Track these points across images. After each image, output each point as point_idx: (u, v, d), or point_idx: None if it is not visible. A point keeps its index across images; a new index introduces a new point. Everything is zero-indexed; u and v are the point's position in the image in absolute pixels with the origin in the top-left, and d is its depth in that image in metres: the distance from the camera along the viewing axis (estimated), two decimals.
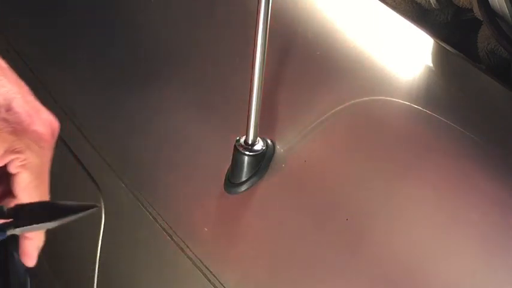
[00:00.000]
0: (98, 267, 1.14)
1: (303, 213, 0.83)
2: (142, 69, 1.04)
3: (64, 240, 1.31)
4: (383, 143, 0.80)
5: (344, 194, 0.80)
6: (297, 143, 0.85)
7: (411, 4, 0.97)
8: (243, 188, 0.87)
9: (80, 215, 0.77)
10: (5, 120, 0.75)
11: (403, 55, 0.86)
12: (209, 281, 0.88)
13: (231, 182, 0.88)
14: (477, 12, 0.86)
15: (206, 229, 0.90)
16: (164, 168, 1.01)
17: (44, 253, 1.42)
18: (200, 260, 0.91)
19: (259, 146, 0.86)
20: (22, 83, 0.78)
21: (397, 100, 0.81)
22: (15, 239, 0.78)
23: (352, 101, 0.83)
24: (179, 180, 0.98)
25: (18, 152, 0.74)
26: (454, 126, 0.76)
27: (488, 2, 0.82)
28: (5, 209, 0.75)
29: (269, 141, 0.87)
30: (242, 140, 0.86)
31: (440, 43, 0.85)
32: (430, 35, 0.86)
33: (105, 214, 1.11)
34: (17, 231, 0.76)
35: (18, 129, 0.75)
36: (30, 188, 0.77)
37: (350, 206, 0.79)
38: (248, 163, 0.86)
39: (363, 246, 0.77)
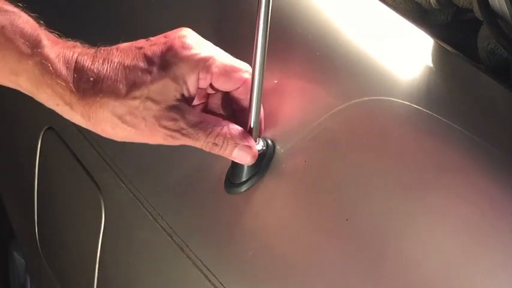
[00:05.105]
0: (98, 267, 1.14)
1: (303, 213, 0.83)
2: None
3: (64, 240, 1.31)
4: (383, 143, 0.80)
5: (344, 194, 0.80)
6: (297, 143, 0.85)
7: (411, 4, 0.97)
8: (243, 188, 0.87)
9: None
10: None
11: (403, 55, 0.86)
12: (209, 281, 0.88)
13: (231, 182, 0.88)
14: (477, 12, 0.86)
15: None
16: (164, 168, 1.01)
17: (44, 253, 1.43)
18: (200, 260, 0.90)
19: (259, 146, 0.86)
20: None
21: (397, 100, 0.81)
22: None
23: (352, 101, 0.83)
24: (179, 180, 0.98)
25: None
26: (454, 126, 0.76)
27: (488, 2, 0.82)
28: None
29: (269, 141, 0.87)
30: None
31: (440, 43, 0.85)
32: (430, 35, 0.86)
33: (105, 214, 1.11)
34: None
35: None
36: None
37: (350, 206, 0.79)
38: None
39: (363, 246, 0.77)
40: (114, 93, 0.81)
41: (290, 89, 0.89)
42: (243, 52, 0.86)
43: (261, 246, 0.85)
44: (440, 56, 0.85)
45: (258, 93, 0.82)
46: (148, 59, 0.82)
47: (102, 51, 0.83)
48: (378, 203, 0.77)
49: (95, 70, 0.82)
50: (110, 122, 0.82)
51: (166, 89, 0.81)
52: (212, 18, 1.01)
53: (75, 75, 0.81)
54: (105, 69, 0.82)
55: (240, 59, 0.86)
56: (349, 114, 0.83)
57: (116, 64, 0.82)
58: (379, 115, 0.81)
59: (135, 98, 0.81)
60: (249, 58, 0.83)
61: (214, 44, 0.86)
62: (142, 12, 1.12)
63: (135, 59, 0.82)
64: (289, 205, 0.84)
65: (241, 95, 0.85)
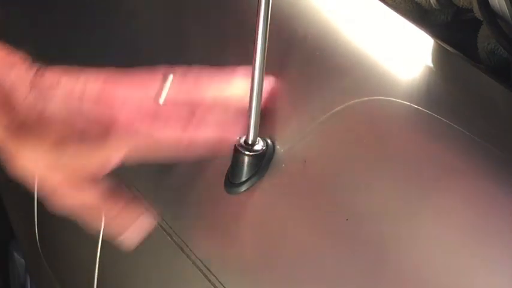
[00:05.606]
0: (98, 267, 1.14)
1: (303, 213, 0.83)
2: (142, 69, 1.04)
3: (64, 240, 1.31)
4: (383, 143, 0.80)
5: (344, 194, 0.80)
6: (297, 143, 0.85)
7: (411, 4, 0.97)
8: (243, 188, 0.87)
9: None
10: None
11: (403, 55, 0.86)
12: (209, 281, 0.88)
13: (231, 182, 0.88)
14: (477, 12, 0.86)
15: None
16: (164, 168, 1.01)
17: (44, 253, 1.42)
18: (200, 260, 0.91)
19: (259, 146, 0.86)
20: None
21: (397, 100, 0.81)
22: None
23: (352, 101, 0.83)
24: (179, 180, 0.98)
25: None
26: (454, 126, 0.76)
27: (488, 2, 0.82)
28: None
29: (269, 141, 0.87)
30: (242, 140, 0.86)
31: (440, 43, 0.85)
32: (430, 35, 0.86)
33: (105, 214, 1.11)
34: None
35: None
36: None
37: (350, 206, 0.79)
38: (248, 163, 0.86)
39: (363, 246, 0.77)
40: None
41: (290, 89, 0.89)
42: (243, 52, 0.86)
43: (261, 246, 0.85)
44: (440, 56, 0.85)
45: (257, 93, 0.82)
46: None
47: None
48: (378, 203, 0.77)
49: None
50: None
51: None
52: (212, 19, 1.01)
53: None
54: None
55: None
56: (349, 114, 0.83)
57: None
58: (379, 115, 0.81)
59: None
60: (248, 58, 0.83)
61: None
62: (143, 12, 1.12)
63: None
64: (289, 205, 0.84)
65: None
